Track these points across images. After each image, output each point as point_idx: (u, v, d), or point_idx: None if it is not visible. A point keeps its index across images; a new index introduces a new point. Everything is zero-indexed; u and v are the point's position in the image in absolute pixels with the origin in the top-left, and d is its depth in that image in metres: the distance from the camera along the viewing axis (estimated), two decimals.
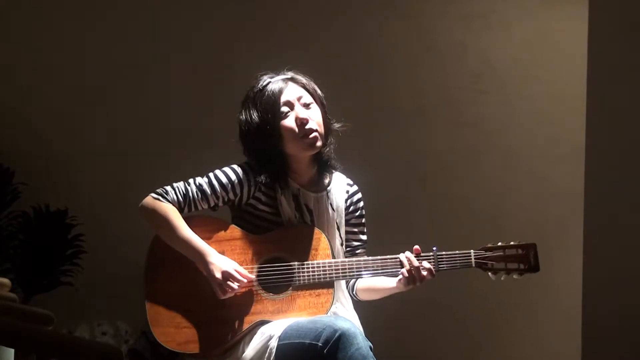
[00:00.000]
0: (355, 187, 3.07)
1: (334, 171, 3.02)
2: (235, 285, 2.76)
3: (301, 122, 2.87)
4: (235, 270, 2.78)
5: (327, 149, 2.97)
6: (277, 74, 2.95)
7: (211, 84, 4.96)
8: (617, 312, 4.66)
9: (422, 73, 5.00)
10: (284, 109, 2.88)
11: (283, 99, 2.88)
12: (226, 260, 2.79)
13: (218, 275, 2.76)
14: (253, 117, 2.89)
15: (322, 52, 4.86)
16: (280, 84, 2.90)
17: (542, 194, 4.89)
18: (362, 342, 2.61)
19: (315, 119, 2.89)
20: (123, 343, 4.49)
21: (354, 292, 3.02)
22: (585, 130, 4.83)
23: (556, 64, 4.95)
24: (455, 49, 5.00)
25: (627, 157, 4.78)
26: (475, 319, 4.81)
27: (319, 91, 2.96)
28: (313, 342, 2.61)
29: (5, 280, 3.06)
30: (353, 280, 3.01)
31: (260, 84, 2.93)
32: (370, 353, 2.62)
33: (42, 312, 2.83)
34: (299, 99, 2.91)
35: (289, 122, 2.87)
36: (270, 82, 2.92)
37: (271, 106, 2.87)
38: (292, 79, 2.94)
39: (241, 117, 2.93)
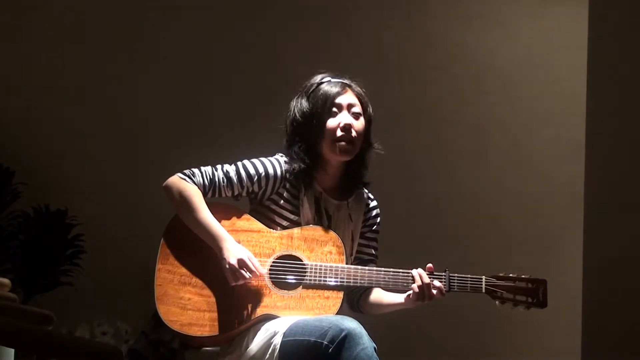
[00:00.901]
0: (375, 203, 3.10)
1: (360, 185, 3.04)
2: (247, 273, 2.77)
3: (344, 127, 2.91)
4: (250, 259, 2.79)
5: (361, 163, 3.00)
6: (337, 76, 3.00)
7: (213, 84, 4.96)
8: (617, 312, 4.66)
9: (422, 73, 5.00)
10: (334, 109, 2.93)
11: (337, 100, 2.93)
12: (242, 249, 2.81)
13: (233, 261, 2.77)
14: (303, 106, 2.94)
15: (322, 52, 4.86)
16: (339, 88, 2.96)
17: (542, 194, 4.89)
18: (367, 342, 2.62)
19: (357, 129, 2.93)
20: (123, 343, 4.49)
21: (359, 306, 3.02)
22: (585, 130, 4.83)
23: (556, 64, 4.95)
24: (456, 49, 5.00)
25: (627, 157, 4.78)
26: (476, 318, 4.80)
27: (370, 109, 3.01)
28: (318, 340, 2.62)
29: (5, 280, 3.06)
30: (359, 294, 3.02)
31: (319, 79, 2.99)
32: (375, 354, 2.62)
33: (42, 312, 2.83)
34: (350, 106, 2.95)
35: (333, 122, 2.91)
36: (330, 80, 2.98)
37: (323, 102, 2.92)
38: (350, 87, 2.99)
39: (292, 103, 2.99)
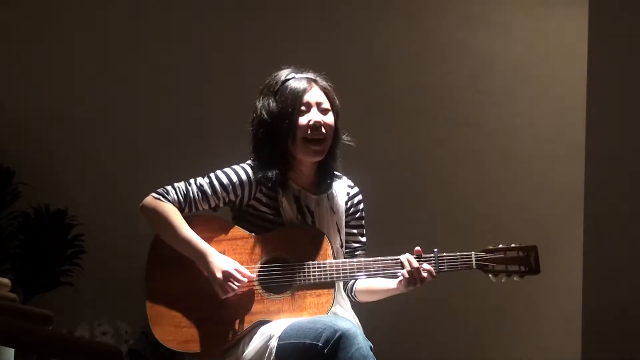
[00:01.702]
0: (356, 189, 3.07)
1: (335, 173, 3.02)
2: (235, 284, 2.76)
3: (314, 125, 2.87)
4: (236, 270, 2.78)
5: (331, 158, 2.97)
6: (300, 72, 2.95)
7: (211, 84, 4.96)
8: (617, 312, 4.66)
9: (422, 73, 5.00)
10: (303, 107, 2.88)
11: (305, 98, 2.89)
12: (227, 260, 2.80)
13: (219, 274, 2.76)
14: (271, 107, 2.88)
15: (322, 51, 4.86)
16: (305, 84, 2.90)
17: (542, 194, 4.89)
18: (362, 342, 2.61)
19: (327, 126, 2.89)
20: (123, 343, 4.49)
21: (353, 294, 3.01)
22: (585, 130, 4.83)
23: (556, 64, 4.95)
24: (456, 48, 5.00)
25: (627, 157, 4.78)
26: (475, 318, 4.81)
27: (337, 101, 2.96)
28: (313, 342, 2.62)
29: (5, 280, 3.06)
30: (352, 282, 3.01)
31: (283, 77, 2.93)
32: (371, 353, 2.62)
33: (42, 312, 2.83)
34: (319, 103, 2.91)
35: (303, 120, 2.87)
36: (294, 77, 2.92)
37: (292, 101, 2.87)
38: (316, 82, 2.94)
39: (258, 103, 2.93)
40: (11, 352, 2.75)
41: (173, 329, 2.80)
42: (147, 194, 2.89)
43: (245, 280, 2.78)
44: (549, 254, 4.69)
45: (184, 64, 4.98)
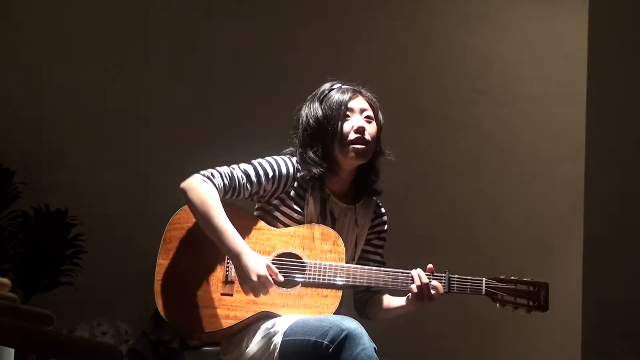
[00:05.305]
0: (383, 211, 3.10)
1: (372, 189, 3.04)
2: (267, 289, 2.76)
3: (357, 130, 2.91)
4: (270, 273, 2.76)
5: (371, 169, 3.00)
6: (347, 83, 3.01)
7: (213, 84, 4.96)
8: (617, 312, 4.66)
9: (422, 73, 5.00)
10: (347, 113, 2.93)
11: (350, 104, 2.94)
12: (260, 262, 2.76)
13: (254, 277, 2.74)
14: (317, 112, 2.93)
15: (322, 52, 4.87)
16: (350, 93, 2.97)
17: (542, 194, 4.89)
18: (368, 342, 2.62)
19: (370, 132, 2.94)
20: (123, 343, 4.49)
21: (365, 312, 3.03)
22: (585, 130, 4.84)
23: (556, 64, 4.95)
24: (455, 49, 5.01)
25: (627, 157, 4.78)
26: (476, 319, 4.80)
27: (380, 115, 3.02)
28: (319, 340, 2.62)
29: (5, 280, 3.07)
30: (364, 301, 3.03)
31: (330, 86, 3.00)
32: (375, 355, 2.62)
33: (42, 312, 2.84)
34: (362, 110, 2.96)
35: (347, 125, 2.92)
36: (341, 87, 2.99)
37: (336, 108, 2.92)
38: (361, 93, 3.00)
39: (304, 110, 2.97)
40: (11, 352, 2.75)
41: (178, 306, 2.80)
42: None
43: (277, 280, 2.78)
44: (549, 254, 4.73)
45: (185, 64, 4.99)
